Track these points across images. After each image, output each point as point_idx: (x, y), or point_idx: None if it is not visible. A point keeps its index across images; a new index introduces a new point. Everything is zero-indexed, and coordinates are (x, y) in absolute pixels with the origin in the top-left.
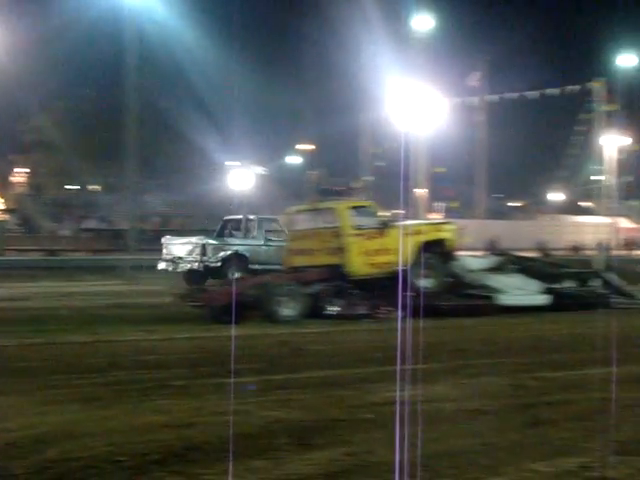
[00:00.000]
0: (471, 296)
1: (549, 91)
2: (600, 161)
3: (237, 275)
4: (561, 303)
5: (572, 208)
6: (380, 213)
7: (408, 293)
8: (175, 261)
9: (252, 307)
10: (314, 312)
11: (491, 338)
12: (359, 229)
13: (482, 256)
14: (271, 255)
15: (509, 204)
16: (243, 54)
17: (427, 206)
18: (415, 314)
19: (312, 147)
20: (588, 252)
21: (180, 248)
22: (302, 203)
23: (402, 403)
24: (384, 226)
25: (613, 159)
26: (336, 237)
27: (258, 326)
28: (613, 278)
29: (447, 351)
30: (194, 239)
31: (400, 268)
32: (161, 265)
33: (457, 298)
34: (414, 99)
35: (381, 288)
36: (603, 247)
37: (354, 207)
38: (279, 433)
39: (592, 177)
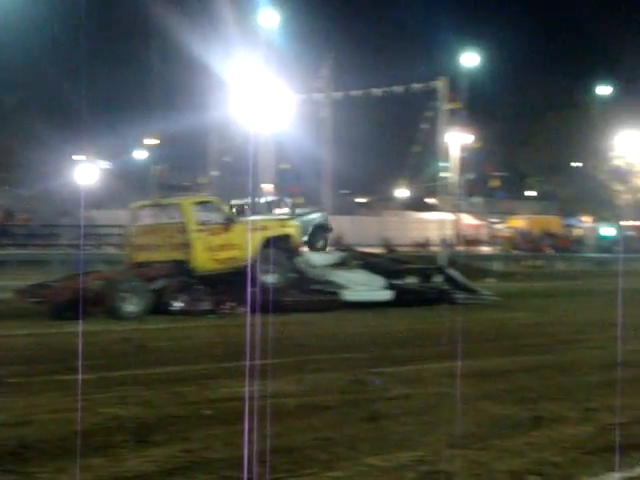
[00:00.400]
0: (315, 292)
1: (394, 89)
2: (444, 158)
3: None
4: (404, 299)
5: (417, 204)
6: (228, 208)
7: (253, 288)
8: None
9: (95, 303)
10: (159, 308)
11: (334, 334)
12: (204, 225)
13: (326, 252)
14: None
15: (355, 200)
16: (90, 47)
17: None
18: (260, 309)
19: (157, 142)
20: (432, 248)
21: None
22: (147, 198)
23: (243, 399)
24: (229, 222)
25: (456, 157)
26: (180, 233)
27: (101, 322)
28: (456, 274)
29: (290, 346)
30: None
31: (245, 264)
32: None
33: (301, 294)
34: (261, 95)
35: (226, 283)
36: (447, 243)
37: (199, 203)
38: (117, 430)
39: (437, 174)
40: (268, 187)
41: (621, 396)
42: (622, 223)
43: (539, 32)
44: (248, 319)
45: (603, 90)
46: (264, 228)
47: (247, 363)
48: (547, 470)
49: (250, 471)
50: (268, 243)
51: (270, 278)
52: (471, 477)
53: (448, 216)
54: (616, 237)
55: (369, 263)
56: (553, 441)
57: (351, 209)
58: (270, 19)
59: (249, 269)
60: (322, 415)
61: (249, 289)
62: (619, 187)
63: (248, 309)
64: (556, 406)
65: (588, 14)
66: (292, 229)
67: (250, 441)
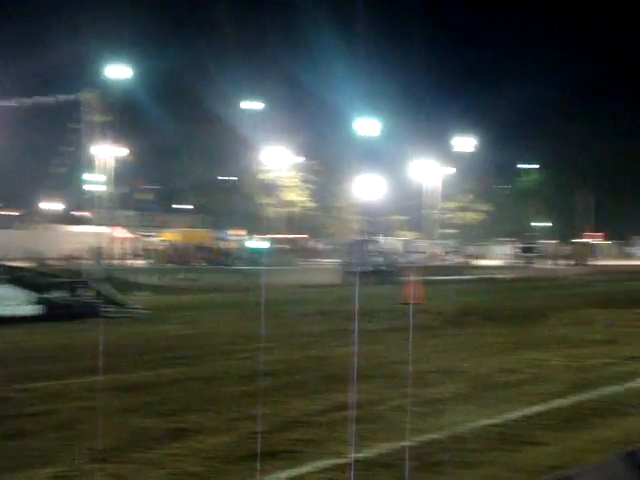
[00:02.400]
0: None
1: (42, 100)
2: (93, 171)
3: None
4: (52, 313)
5: (67, 217)
6: None
7: None
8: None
9: None
10: None
11: None
12: None
13: None
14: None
15: (3, 213)
16: None
17: None
18: None
19: None
20: (83, 261)
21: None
22: None
23: None
24: None
25: (108, 169)
26: None
27: None
28: (105, 287)
29: None
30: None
31: None
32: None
33: None
34: None
35: None
36: (98, 256)
37: None
38: None
39: (87, 187)
40: None
41: (263, 405)
42: (273, 236)
43: (177, 44)
44: None
45: (249, 105)
46: None
47: None
48: None
49: None
50: None
51: None
52: None
53: (100, 229)
54: (266, 250)
55: (15, 277)
56: (194, 451)
57: None
58: None
59: None
60: None
61: None
62: (267, 200)
63: None
64: (200, 417)
65: (250, 35)
66: None
67: None
